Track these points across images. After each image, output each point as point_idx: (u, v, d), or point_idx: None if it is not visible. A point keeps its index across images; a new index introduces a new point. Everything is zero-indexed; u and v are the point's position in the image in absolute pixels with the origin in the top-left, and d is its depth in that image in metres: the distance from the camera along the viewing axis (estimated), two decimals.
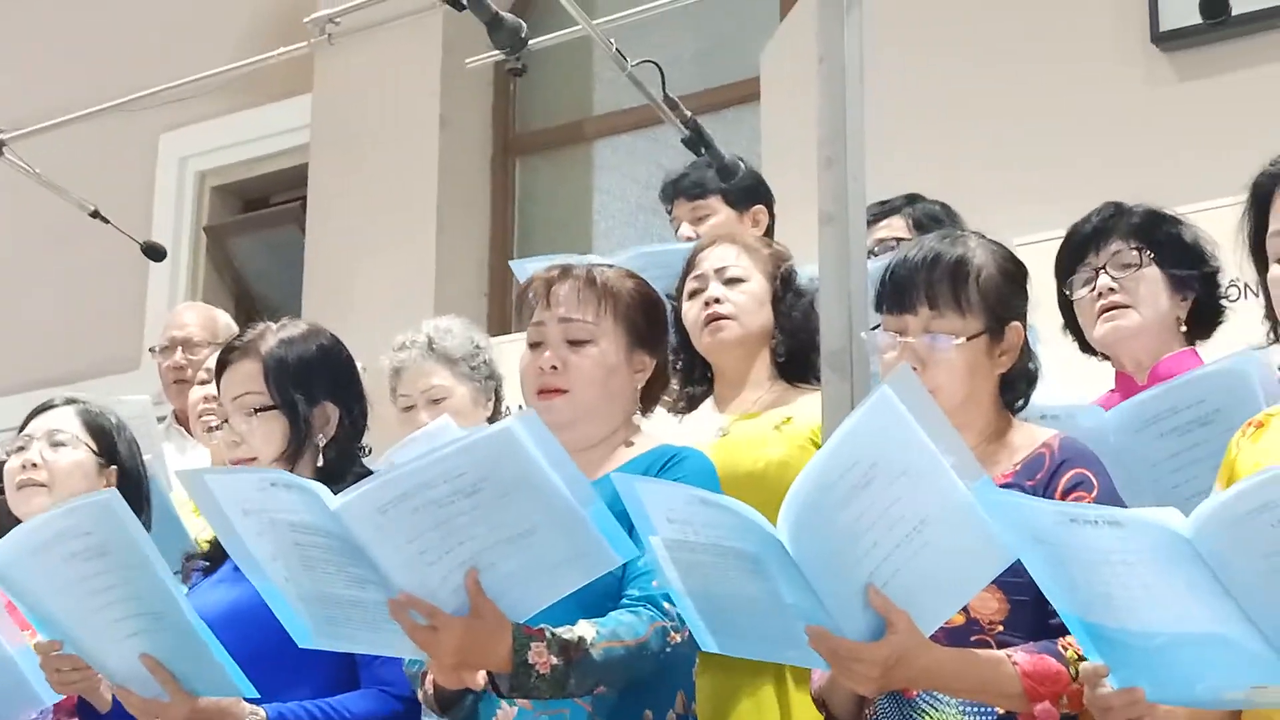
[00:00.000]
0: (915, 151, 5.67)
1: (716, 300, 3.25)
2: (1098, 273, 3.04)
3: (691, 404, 3.38)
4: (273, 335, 3.00)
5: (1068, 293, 3.11)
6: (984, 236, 2.63)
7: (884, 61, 5.08)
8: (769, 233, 4.05)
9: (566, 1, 3.30)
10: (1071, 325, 3.14)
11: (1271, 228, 2.28)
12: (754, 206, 3.99)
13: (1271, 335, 2.36)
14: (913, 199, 3.63)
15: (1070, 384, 3.23)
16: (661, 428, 3.03)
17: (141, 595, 2.70)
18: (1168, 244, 3.04)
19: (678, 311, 3.33)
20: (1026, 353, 2.59)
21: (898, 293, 2.54)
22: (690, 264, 3.35)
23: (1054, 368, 3.22)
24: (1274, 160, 2.36)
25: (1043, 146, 5.66)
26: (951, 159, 5.67)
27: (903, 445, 2.10)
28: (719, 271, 3.29)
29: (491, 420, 3.75)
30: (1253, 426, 2.33)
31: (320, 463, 2.93)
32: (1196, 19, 3.32)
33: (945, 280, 2.51)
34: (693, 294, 3.30)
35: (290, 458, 2.92)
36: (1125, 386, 3.07)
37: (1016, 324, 2.56)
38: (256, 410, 2.94)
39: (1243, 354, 2.75)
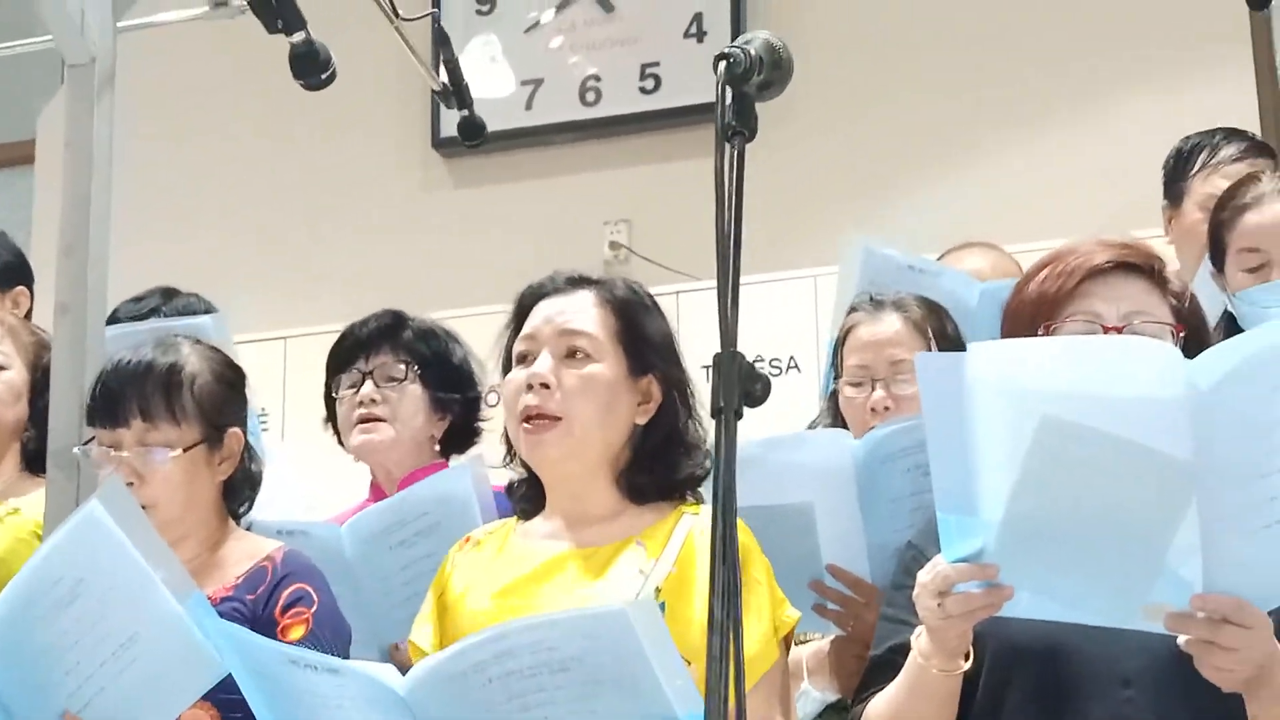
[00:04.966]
0: (178, 241, 5.58)
1: None
2: (365, 377, 3.06)
3: None
4: None
5: (334, 392, 3.11)
6: (199, 342, 2.60)
7: (142, 149, 4.99)
8: (28, 315, 3.80)
9: None
10: (334, 422, 3.13)
11: (524, 331, 2.31)
12: (15, 287, 3.72)
13: (507, 457, 2.39)
14: (168, 294, 3.52)
15: (335, 483, 3.27)
16: None
17: None
18: (435, 363, 3.09)
19: None
20: (248, 457, 2.58)
21: (109, 406, 2.48)
22: None
23: (322, 465, 3.24)
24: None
25: (321, 240, 5.69)
26: (222, 250, 5.60)
27: (111, 560, 2.06)
28: None
29: None
30: (469, 543, 2.37)
31: None
32: None
33: (158, 390, 2.47)
34: None
35: None
36: (377, 495, 3.10)
37: (236, 430, 2.55)
38: None
39: (459, 468, 2.85)
